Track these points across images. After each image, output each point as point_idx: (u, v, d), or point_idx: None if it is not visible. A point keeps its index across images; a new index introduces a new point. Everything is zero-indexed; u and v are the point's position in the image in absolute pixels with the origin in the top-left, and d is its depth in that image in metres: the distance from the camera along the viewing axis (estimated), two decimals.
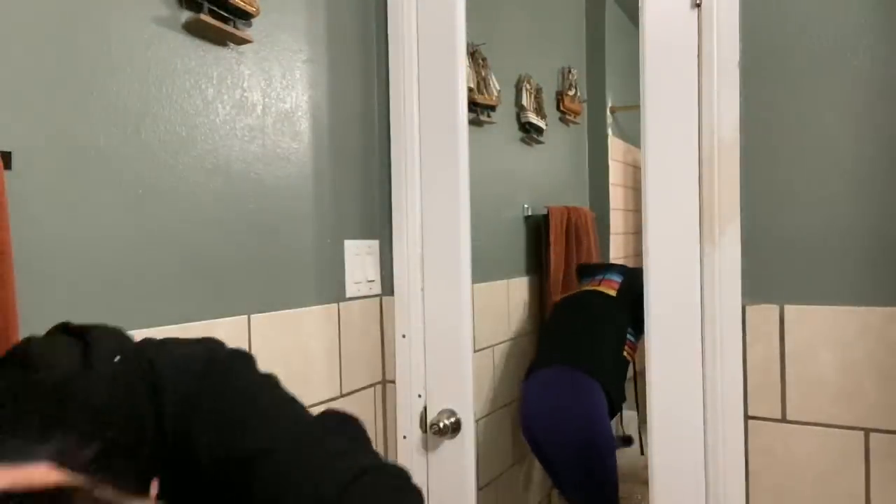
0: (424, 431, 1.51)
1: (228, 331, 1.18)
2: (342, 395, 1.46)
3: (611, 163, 3.03)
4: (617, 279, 2.26)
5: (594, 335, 2.13)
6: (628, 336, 2.17)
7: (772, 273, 1.17)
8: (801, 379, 1.15)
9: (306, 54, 1.39)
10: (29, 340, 0.62)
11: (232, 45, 1.20)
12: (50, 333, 0.64)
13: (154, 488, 0.54)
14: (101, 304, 1.00)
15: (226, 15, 1.16)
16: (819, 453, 1.14)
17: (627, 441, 2.71)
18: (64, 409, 0.54)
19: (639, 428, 2.61)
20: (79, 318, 0.97)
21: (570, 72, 2.70)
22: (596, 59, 2.96)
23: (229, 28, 1.16)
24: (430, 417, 1.50)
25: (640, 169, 1.26)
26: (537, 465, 2.46)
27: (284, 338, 1.31)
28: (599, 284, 2.27)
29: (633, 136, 3.19)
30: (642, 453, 2.55)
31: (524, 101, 2.31)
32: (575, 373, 2.04)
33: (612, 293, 2.21)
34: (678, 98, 1.20)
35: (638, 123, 1.27)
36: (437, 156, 1.49)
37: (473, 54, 1.96)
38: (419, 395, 1.51)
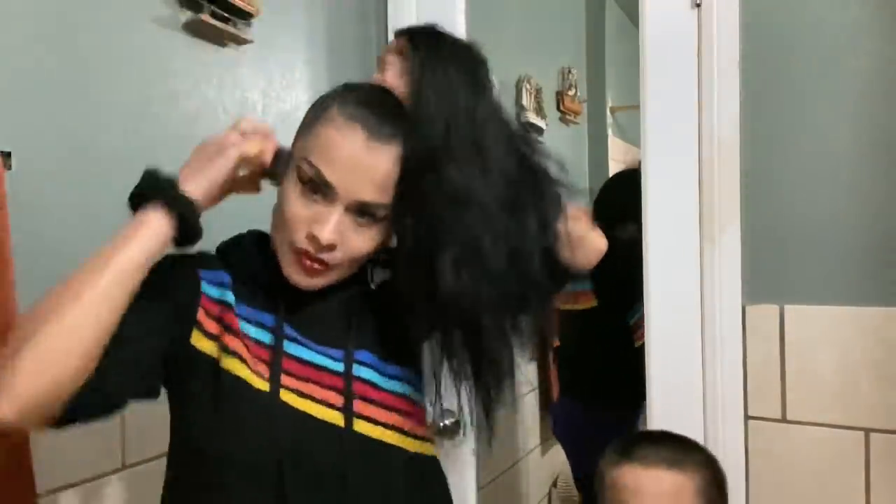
0: None
1: None
2: None
3: (611, 163, 3.02)
4: (588, 287, 1.99)
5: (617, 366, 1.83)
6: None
7: (772, 273, 1.17)
8: (801, 379, 1.15)
9: (306, 55, 1.39)
10: None
11: (232, 45, 1.21)
12: None
13: None
14: None
15: (226, 15, 1.16)
16: (819, 453, 1.14)
17: None
18: None
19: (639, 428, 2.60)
20: None
21: (570, 72, 2.70)
22: (596, 59, 2.96)
23: (229, 28, 1.16)
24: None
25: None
26: (537, 465, 2.47)
27: None
28: (577, 301, 2.00)
29: (633, 136, 3.19)
30: None
31: (524, 101, 2.31)
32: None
33: (591, 304, 1.99)
34: (678, 98, 1.20)
35: (638, 123, 1.27)
36: None
37: None
38: None
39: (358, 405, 0.79)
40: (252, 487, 0.75)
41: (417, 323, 0.79)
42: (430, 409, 0.92)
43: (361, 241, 0.76)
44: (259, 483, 0.75)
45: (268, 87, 1.29)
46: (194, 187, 0.72)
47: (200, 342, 0.77)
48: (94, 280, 0.65)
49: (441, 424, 1.46)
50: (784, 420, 1.16)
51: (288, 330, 0.79)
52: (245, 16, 1.20)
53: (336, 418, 0.77)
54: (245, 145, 0.75)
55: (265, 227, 0.82)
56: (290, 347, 0.79)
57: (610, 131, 3.01)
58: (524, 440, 2.35)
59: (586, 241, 0.88)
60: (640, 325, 2.08)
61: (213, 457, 0.76)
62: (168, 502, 0.82)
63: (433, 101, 0.74)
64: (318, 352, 0.80)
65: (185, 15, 1.12)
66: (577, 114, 2.76)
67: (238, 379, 0.75)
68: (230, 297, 0.79)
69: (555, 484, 2.62)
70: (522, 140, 0.81)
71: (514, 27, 2.33)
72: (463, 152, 0.73)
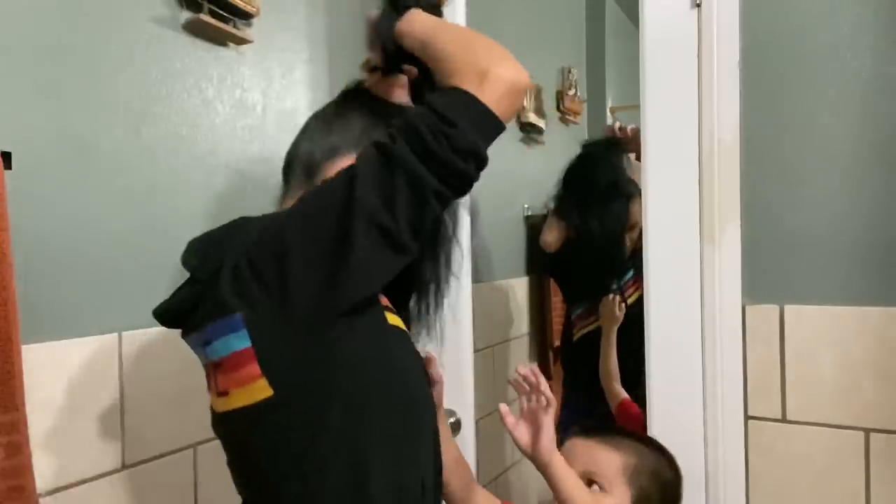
0: None
1: None
2: None
3: None
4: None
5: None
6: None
7: (772, 273, 1.17)
8: (801, 379, 1.15)
9: (306, 54, 1.39)
10: None
11: (232, 45, 1.20)
12: None
13: None
14: (100, 304, 1.00)
15: (226, 15, 1.16)
16: (819, 453, 1.14)
17: None
18: None
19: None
20: (78, 317, 0.97)
21: (570, 72, 2.70)
22: (596, 59, 2.96)
23: (229, 28, 1.16)
24: None
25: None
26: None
27: None
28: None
29: None
30: None
31: (524, 101, 2.31)
32: None
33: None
34: (678, 98, 1.20)
35: (638, 123, 1.27)
36: None
37: None
38: None
39: None
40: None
41: None
42: None
43: None
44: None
45: (268, 87, 1.29)
46: None
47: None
48: None
49: None
50: (784, 420, 1.16)
51: None
52: (245, 15, 1.20)
53: None
54: None
55: None
56: None
57: None
58: None
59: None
60: (581, 319, 2.13)
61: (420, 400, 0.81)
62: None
63: None
64: None
65: (185, 15, 1.12)
66: (577, 114, 2.76)
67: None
68: None
69: None
70: None
71: (514, 27, 2.33)
72: None
